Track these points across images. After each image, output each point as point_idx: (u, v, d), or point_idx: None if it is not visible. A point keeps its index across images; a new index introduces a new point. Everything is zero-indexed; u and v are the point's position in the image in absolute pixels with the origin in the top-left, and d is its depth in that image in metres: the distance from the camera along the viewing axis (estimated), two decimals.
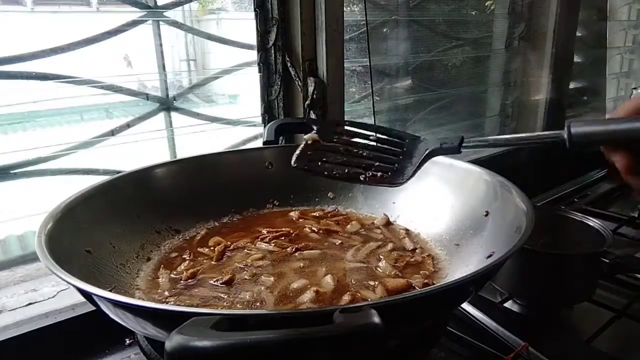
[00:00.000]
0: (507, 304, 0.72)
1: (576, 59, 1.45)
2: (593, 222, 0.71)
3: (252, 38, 0.85)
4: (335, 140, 0.51)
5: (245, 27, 0.86)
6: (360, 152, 0.50)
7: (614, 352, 0.62)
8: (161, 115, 0.81)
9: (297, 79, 0.85)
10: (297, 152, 0.49)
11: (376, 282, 0.51)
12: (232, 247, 0.60)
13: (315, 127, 0.74)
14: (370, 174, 0.48)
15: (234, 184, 0.70)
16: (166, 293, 0.50)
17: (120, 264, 0.53)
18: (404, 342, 0.47)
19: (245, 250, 0.59)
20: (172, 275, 0.54)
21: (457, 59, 1.28)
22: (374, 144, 0.52)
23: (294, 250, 0.58)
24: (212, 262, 0.56)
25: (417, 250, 0.60)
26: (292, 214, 0.70)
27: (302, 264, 0.56)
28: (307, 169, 0.47)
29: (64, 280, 0.37)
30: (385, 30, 1.10)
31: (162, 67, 0.79)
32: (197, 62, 0.92)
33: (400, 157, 0.50)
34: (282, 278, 0.52)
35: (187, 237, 0.63)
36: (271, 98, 0.89)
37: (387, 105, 1.14)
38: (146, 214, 0.60)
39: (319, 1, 0.81)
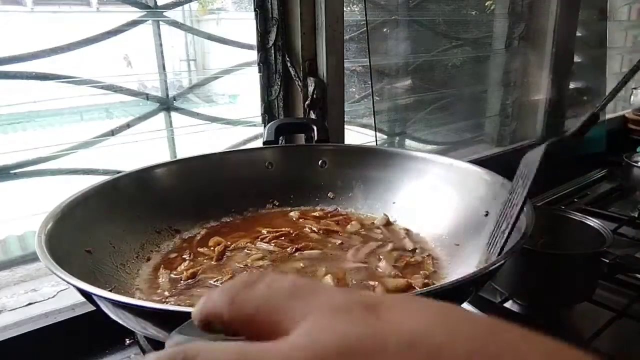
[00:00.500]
0: (507, 304, 0.71)
1: (576, 59, 1.45)
2: (593, 222, 0.71)
3: (252, 38, 0.85)
4: None
5: (245, 27, 0.86)
6: None
7: (614, 352, 0.62)
8: (161, 115, 0.81)
9: (297, 79, 0.85)
10: None
11: (376, 282, 0.51)
12: (232, 247, 0.60)
13: (315, 127, 0.75)
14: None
15: (234, 184, 0.70)
16: (166, 293, 0.50)
17: (120, 264, 0.53)
18: None
19: (245, 250, 0.59)
20: (172, 276, 0.54)
21: (457, 59, 1.28)
22: None
23: (294, 250, 0.58)
24: (212, 262, 0.56)
25: (417, 250, 0.60)
26: (292, 214, 0.70)
27: (302, 264, 0.56)
28: None
29: (64, 280, 0.37)
30: (385, 30, 1.10)
31: (162, 67, 0.79)
32: (197, 62, 0.92)
33: None
34: None
35: (187, 237, 0.63)
36: (271, 98, 0.89)
37: (387, 105, 1.14)
38: (146, 214, 0.61)
39: (319, 1, 0.81)
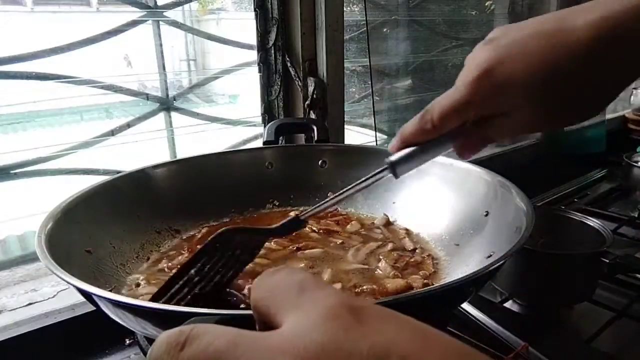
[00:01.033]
0: (507, 304, 0.71)
1: None
2: (593, 222, 0.71)
3: (252, 38, 0.85)
4: None
5: (245, 27, 0.86)
6: None
7: (614, 352, 0.62)
8: (161, 115, 0.81)
9: (297, 79, 0.85)
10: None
11: (374, 285, 0.51)
12: None
13: (315, 127, 0.75)
14: None
15: (234, 184, 0.70)
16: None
17: (120, 264, 0.53)
18: None
19: None
20: (169, 264, 0.54)
21: (457, 59, 1.28)
22: None
23: (295, 249, 0.58)
24: None
25: (417, 250, 0.60)
26: (292, 213, 0.70)
27: (303, 264, 0.56)
28: None
29: (64, 280, 0.37)
30: (385, 30, 1.10)
31: (162, 67, 0.79)
32: (197, 62, 0.92)
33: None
34: None
35: (187, 237, 0.63)
36: (271, 98, 0.89)
37: (387, 105, 1.14)
38: (146, 214, 0.60)
39: (319, 1, 0.81)
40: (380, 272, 0.55)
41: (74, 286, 0.36)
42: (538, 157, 1.35)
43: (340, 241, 0.62)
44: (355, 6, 1.03)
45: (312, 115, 0.85)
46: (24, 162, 0.68)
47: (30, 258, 0.69)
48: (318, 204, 0.44)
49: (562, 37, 0.31)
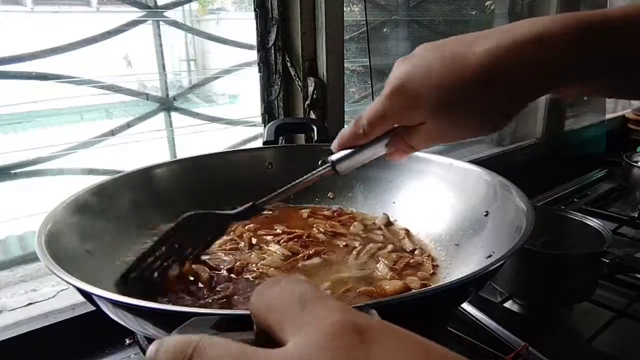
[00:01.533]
0: (507, 304, 0.71)
1: None
2: (593, 222, 0.71)
3: (252, 38, 0.85)
4: None
5: (245, 27, 0.86)
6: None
7: (614, 352, 0.62)
8: (161, 115, 0.81)
9: (297, 79, 0.85)
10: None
11: (373, 287, 0.52)
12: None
13: (315, 127, 0.75)
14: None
15: (234, 184, 0.70)
16: None
17: (120, 264, 0.53)
18: None
19: (260, 249, 0.60)
20: None
21: None
22: None
23: (305, 257, 0.58)
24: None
25: (416, 251, 0.60)
26: (302, 211, 0.70)
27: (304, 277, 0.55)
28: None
29: (64, 280, 0.37)
30: (385, 30, 1.10)
31: (162, 67, 0.79)
32: (197, 62, 0.92)
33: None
34: None
35: None
36: (271, 98, 0.89)
37: None
38: (146, 213, 0.60)
39: (319, 1, 0.81)
40: (379, 274, 0.55)
41: (74, 286, 0.36)
42: (538, 157, 1.35)
43: (345, 243, 0.62)
44: (355, 6, 1.03)
45: (312, 115, 0.85)
46: (24, 162, 0.68)
47: (30, 258, 0.69)
48: (271, 195, 0.50)
49: (461, 62, 0.35)
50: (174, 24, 0.80)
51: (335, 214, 0.70)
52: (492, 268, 0.39)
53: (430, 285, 0.52)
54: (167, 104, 0.81)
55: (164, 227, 0.62)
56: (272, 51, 0.85)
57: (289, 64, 0.85)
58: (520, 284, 0.69)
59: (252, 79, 0.88)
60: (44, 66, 0.68)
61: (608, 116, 1.58)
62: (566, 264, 0.66)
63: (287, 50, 0.85)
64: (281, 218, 0.68)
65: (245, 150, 0.83)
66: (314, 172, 0.47)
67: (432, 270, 0.55)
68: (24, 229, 0.70)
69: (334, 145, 0.44)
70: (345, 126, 0.43)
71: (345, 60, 0.87)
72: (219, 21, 0.92)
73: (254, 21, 0.84)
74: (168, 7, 0.78)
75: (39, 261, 0.40)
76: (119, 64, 0.75)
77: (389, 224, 0.67)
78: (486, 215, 0.56)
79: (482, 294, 0.71)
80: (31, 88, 0.67)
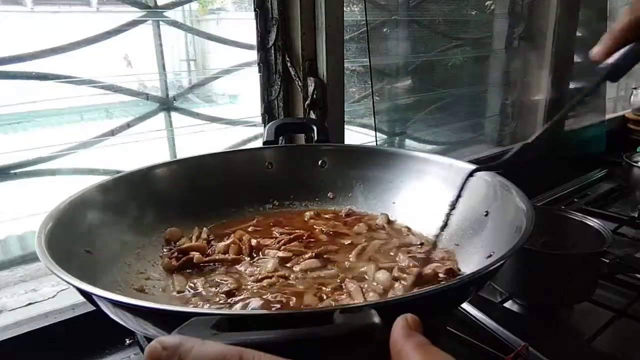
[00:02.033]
0: (507, 304, 0.71)
1: (576, 59, 1.45)
2: (593, 222, 0.71)
3: (252, 38, 0.85)
4: None
5: (245, 27, 0.86)
6: None
7: (614, 352, 0.62)
8: (161, 115, 0.81)
9: (297, 79, 0.85)
10: None
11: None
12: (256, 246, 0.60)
13: (315, 127, 0.75)
14: None
15: (234, 184, 0.70)
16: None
17: (120, 264, 0.53)
18: None
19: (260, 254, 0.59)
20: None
21: (457, 59, 1.28)
22: None
23: (314, 255, 0.57)
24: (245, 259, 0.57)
25: (424, 244, 0.60)
26: (307, 213, 0.70)
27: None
28: None
29: (64, 280, 0.37)
30: (385, 30, 1.10)
31: (162, 67, 0.79)
32: (197, 62, 0.92)
33: None
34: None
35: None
36: (271, 98, 0.89)
37: (387, 105, 1.14)
38: (146, 214, 0.60)
39: (319, 1, 0.81)
40: (402, 265, 0.55)
41: (74, 286, 0.36)
42: (538, 157, 1.35)
43: (349, 241, 0.62)
44: (355, 6, 1.03)
45: (312, 115, 0.85)
46: (24, 162, 0.68)
47: (30, 258, 0.69)
48: (542, 129, 0.50)
49: None
50: (174, 24, 0.80)
51: (342, 214, 0.70)
52: (492, 268, 0.39)
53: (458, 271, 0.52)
54: (167, 104, 0.81)
55: (164, 226, 0.62)
56: (272, 51, 0.85)
57: (289, 64, 0.85)
58: (520, 284, 0.69)
59: (252, 79, 0.88)
60: (44, 66, 0.68)
61: (608, 116, 1.58)
62: (566, 264, 0.66)
63: (287, 50, 0.85)
64: (283, 222, 0.68)
65: (245, 150, 0.83)
66: (592, 84, 0.49)
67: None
68: (24, 229, 0.70)
69: (597, 51, 0.46)
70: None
71: (345, 60, 0.87)
72: (219, 21, 0.92)
73: (254, 21, 0.84)
74: (168, 7, 0.78)
75: (39, 261, 0.40)
76: (119, 64, 0.75)
77: (389, 222, 0.67)
78: (486, 215, 0.56)
79: (482, 294, 0.71)
80: (31, 88, 0.67)
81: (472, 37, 1.29)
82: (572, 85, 1.48)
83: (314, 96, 0.84)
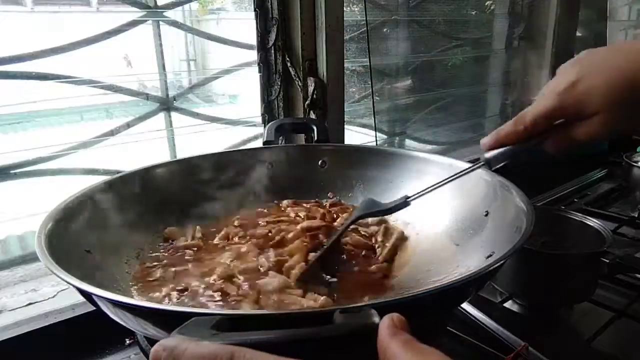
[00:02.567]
0: (507, 304, 0.71)
1: None
2: (593, 222, 0.71)
3: (252, 38, 0.85)
4: None
5: (245, 27, 0.86)
6: None
7: (614, 352, 0.62)
8: (161, 115, 0.81)
9: (297, 79, 0.85)
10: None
11: None
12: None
13: (315, 127, 0.75)
14: None
15: (234, 184, 0.70)
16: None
17: (120, 264, 0.53)
18: None
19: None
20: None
21: (457, 59, 1.28)
22: None
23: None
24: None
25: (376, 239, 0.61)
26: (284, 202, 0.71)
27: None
28: None
29: (64, 280, 0.37)
30: (385, 30, 1.10)
31: (162, 67, 0.79)
32: (197, 62, 0.92)
33: None
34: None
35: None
36: (271, 98, 0.89)
37: (387, 105, 1.14)
38: (146, 213, 0.60)
39: (319, 1, 0.81)
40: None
41: (74, 286, 0.36)
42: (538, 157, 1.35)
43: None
44: (355, 6, 1.03)
45: (312, 115, 0.85)
46: (24, 162, 0.68)
47: (30, 258, 0.69)
48: (423, 190, 0.51)
49: (636, 55, 0.40)
50: (174, 24, 0.80)
51: (328, 205, 0.70)
52: (492, 268, 0.39)
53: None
54: (167, 104, 0.81)
55: (164, 226, 0.62)
56: (272, 51, 0.85)
57: (289, 64, 0.85)
58: (520, 284, 0.69)
59: (252, 79, 0.88)
60: (44, 66, 0.68)
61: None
62: (566, 264, 0.66)
63: (287, 50, 0.85)
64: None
65: (245, 150, 0.83)
66: (466, 168, 0.50)
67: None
68: (24, 229, 0.70)
69: (486, 142, 0.48)
70: (502, 126, 0.47)
71: (345, 60, 0.87)
72: (219, 21, 0.92)
73: (254, 21, 0.84)
74: (168, 7, 0.78)
75: (39, 261, 0.40)
76: (119, 64, 0.75)
77: (382, 222, 0.67)
78: (486, 215, 0.56)
79: (482, 294, 0.71)
80: (31, 88, 0.67)
81: (472, 37, 1.29)
82: None
83: (314, 96, 0.84)
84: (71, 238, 0.48)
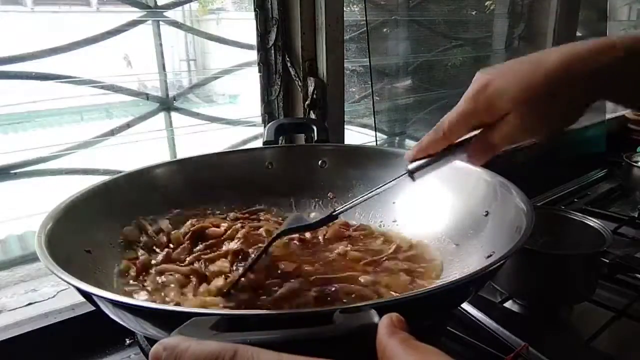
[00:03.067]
0: (507, 304, 0.72)
1: None
2: (593, 222, 0.71)
3: (252, 38, 0.85)
4: None
5: (245, 27, 0.86)
6: None
7: (614, 352, 0.62)
8: (161, 115, 0.81)
9: (297, 79, 0.85)
10: None
11: None
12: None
13: (315, 127, 0.75)
14: None
15: (234, 184, 0.70)
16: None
17: (120, 264, 0.53)
18: None
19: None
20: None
21: (457, 59, 1.28)
22: None
23: None
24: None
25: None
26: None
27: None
28: None
29: (64, 280, 0.37)
30: (385, 30, 1.10)
31: (162, 67, 0.79)
32: (197, 62, 0.92)
33: None
34: None
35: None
36: (271, 98, 0.89)
37: (387, 105, 1.14)
38: (146, 213, 0.60)
39: (319, 1, 0.81)
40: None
41: (74, 286, 0.36)
42: (538, 157, 1.35)
43: None
44: (355, 6, 1.03)
45: (312, 115, 0.85)
46: (24, 162, 0.68)
47: (30, 258, 0.69)
48: (347, 204, 0.51)
49: (540, 64, 0.42)
50: (174, 24, 0.80)
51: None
52: (492, 268, 0.39)
53: None
54: (167, 104, 0.81)
55: (162, 227, 0.62)
56: (272, 51, 0.85)
57: (289, 64, 0.85)
58: (520, 284, 0.69)
59: (252, 79, 0.88)
60: (44, 66, 0.68)
61: (608, 116, 1.58)
62: (566, 264, 0.66)
63: (287, 50, 0.85)
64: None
65: (245, 150, 0.83)
66: (390, 180, 0.50)
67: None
68: (24, 229, 0.70)
69: (409, 154, 0.48)
70: (423, 137, 0.48)
71: (345, 60, 0.87)
72: (219, 21, 0.92)
73: (254, 21, 0.84)
74: (168, 7, 0.78)
75: (39, 261, 0.40)
76: (119, 64, 0.75)
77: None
78: (486, 215, 0.56)
79: (482, 294, 0.71)
80: (31, 88, 0.67)
81: (472, 37, 1.29)
82: None
83: (314, 96, 0.84)
84: (71, 238, 0.48)
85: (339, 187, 0.73)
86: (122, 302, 0.34)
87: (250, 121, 0.92)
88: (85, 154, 0.74)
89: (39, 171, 0.70)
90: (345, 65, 0.88)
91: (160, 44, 0.78)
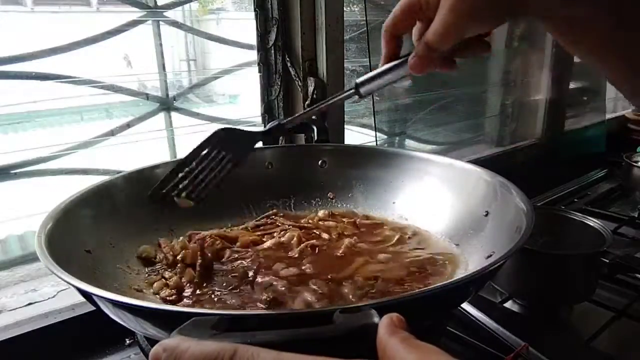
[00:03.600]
0: (507, 304, 0.72)
1: (576, 59, 1.45)
2: (593, 222, 0.71)
3: (252, 38, 0.85)
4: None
5: (245, 27, 0.86)
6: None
7: (614, 352, 0.62)
8: (161, 115, 0.81)
9: (297, 79, 0.85)
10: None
11: None
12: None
13: (315, 127, 0.75)
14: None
15: (233, 184, 0.69)
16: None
17: (120, 264, 0.53)
18: None
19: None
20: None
21: (457, 59, 1.28)
22: None
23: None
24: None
25: None
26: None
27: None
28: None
29: (64, 280, 0.37)
30: None
31: (162, 67, 0.79)
32: (197, 62, 0.92)
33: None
34: None
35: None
36: (271, 98, 0.89)
37: (387, 105, 1.14)
38: (146, 214, 0.60)
39: (319, 1, 0.81)
40: None
41: (74, 286, 0.36)
42: (538, 157, 1.35)
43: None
44: (355, 6, 1.03)
45: (312, 116, 0.85)
46: (24, 162, 0.68)
47: (30, 258, 0.69)
48: (296, 114, 0.52)
49: None
50: (174, 24, 0.80)
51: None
52: (492, 268, 0.39)
53: None
54: (167, 104, 0.81)
55: (163, 226, 0.62)
56: (272, 51, 0.85)
57: (289, 64, 0.85)
58: (520, 284, 0.69)
59: (252, 79, 0.88)
60: (44, 66, 0.67)
61: (608, 116, 1.58)
62: (566, 264, 0.66)
63: (287, 50, 0.85)
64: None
65: None
66: (339, 94, 0.50)
67: None
68: (24, 229, 0.70)
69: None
70: None
71: (345, 60, 0.87)
72: (219, 21, 0.92)
73: (254, 21, 0.84)
74: (168, 7, 0.78)
75: (39, 261, 0.40)
76: (119, 64, 0.75)
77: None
78: (486, 215, 0.56)
79: (482, 294, 0.71)
80: (31, 88, 0.67)
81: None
82: (572, 85, 1.48)
83: (314, 96, 0.84)
84: (71, 238, 0.48)
85: (339, 187, 0.73)
86: (122, 302, 0.34)
87: (250, 121, 0.92)
88: (85, 154, 0.74)
89: (39, 171, 0.70)
90: (345, 65, 0.88)
91: (160, 44, 0.78)
